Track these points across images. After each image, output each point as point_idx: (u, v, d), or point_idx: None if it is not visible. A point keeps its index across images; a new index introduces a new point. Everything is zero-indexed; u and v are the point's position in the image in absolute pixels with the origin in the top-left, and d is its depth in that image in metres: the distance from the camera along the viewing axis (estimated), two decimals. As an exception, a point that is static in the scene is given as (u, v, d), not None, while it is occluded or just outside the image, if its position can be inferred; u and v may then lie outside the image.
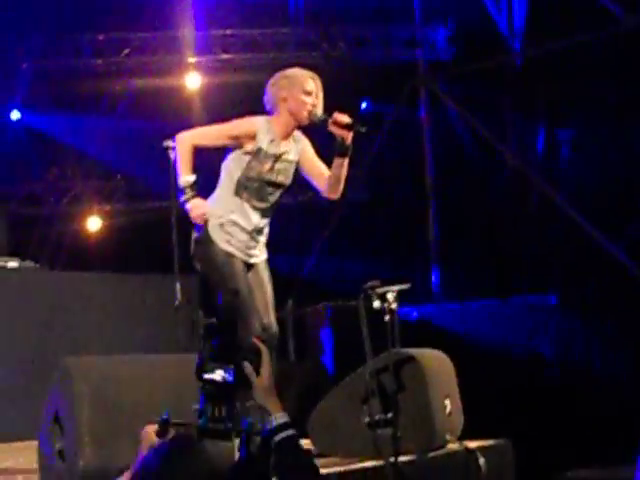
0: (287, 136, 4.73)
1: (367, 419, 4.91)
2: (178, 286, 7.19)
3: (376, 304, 4.70)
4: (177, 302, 7.24)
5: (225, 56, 11.58)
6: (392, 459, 4.66)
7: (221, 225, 4.63)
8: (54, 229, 11.93)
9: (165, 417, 3.31)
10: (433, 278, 11.13)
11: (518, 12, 11.03)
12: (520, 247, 10.52)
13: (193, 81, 11.50)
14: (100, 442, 4.00)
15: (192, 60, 11.53)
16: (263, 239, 4.77)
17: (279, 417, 2.80)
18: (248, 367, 2.82)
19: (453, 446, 5.16)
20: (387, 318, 4.75)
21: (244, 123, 4.67)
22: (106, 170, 12.26)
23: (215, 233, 4.63)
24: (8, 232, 10.56)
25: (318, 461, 3.04)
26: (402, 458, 4.74)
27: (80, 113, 11.53)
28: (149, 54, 11.50)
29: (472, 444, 5.20)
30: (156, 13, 11.09)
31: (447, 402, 5.31)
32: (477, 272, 10.19)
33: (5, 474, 5.00)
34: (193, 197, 4.59)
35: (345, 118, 4.54)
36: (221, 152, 4.74)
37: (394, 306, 4.75)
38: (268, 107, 4.75)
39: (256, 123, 4.66)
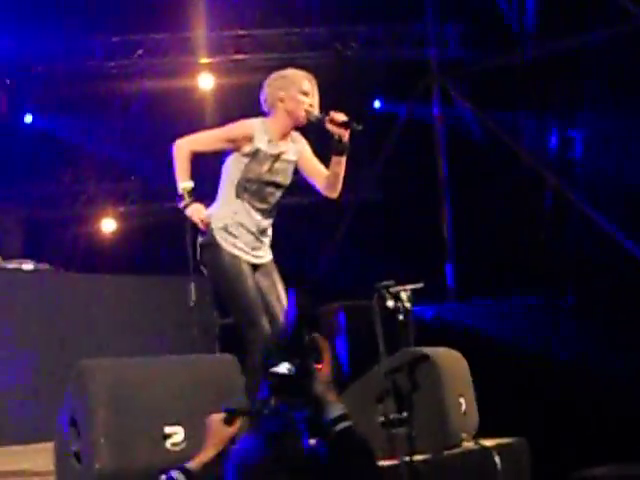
0: (284, 136, 4.73)
1: (382, 418, 4.91)
2: (193, 287, 7.22)
3: (390, 303, 4.69)
4: (192, 303, 7.27)
5: (238, 57, 11.60)
6: (407, 458, 4.65)
7: (225, 228, 4.63)
8: (69, 231, 11.98)
9: (232, 407, 3.45)
10: (447, 277, 11.12)
11: (530, 9, 11.01)
12: (535, 245, 10.50)
13: (206, 82, 11.51)
14: (116, 444, 4.00)
15: (205, 61, 11.55)
16: (267, 240, 4.77)
17: (339, 409, 2.96)
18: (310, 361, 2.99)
19: (468, 445, 5.16)
20: (401, 317, 4.75)
21: (240, 125, 4.66)
22: (120, 172, 12.31)
23: (220, 236, 4.63)
24: (23, 235, 10.61)
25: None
26: (417, 457, 4.72)
27: (93, 115, 11.56)
28: (162, 55, 11.52)
29: (488, 443, 5.20)
30: (168, 14, 11.10)
31: (462, 401, 5.31)
32: (491, 271, 10.17)
33: (22, 476, 5.02)
34: (192, 202, 4.60)
35: (341, 116, 4.55)
36: (220, 157, 4.74)
37: (408, 305, 4.75)
38: (265, 108, 4.75)
39: (252, 125, 4.66)
